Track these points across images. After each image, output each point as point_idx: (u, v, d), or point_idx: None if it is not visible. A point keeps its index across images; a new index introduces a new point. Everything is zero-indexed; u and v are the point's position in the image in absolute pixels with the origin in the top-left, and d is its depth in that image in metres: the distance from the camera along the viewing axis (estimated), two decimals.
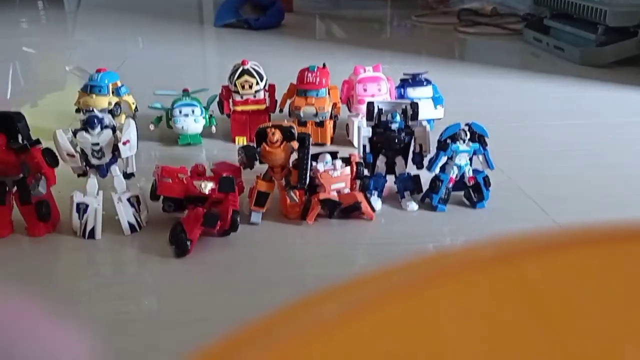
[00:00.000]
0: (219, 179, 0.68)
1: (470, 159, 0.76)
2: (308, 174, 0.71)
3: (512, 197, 0.80)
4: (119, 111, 0.98)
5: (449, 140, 0.74)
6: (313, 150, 0.73)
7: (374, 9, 2.77)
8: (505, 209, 0.77)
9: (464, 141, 0.74)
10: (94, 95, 0.95)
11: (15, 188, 0.68)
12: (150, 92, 1.01)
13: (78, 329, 0.16)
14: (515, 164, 0.89)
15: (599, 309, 0.16)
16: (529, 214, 0.76)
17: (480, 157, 0.76)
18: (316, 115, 0.94)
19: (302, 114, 0.94)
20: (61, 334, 0.16)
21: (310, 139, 0.72)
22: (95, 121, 0.68)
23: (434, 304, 0.16)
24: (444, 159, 0.75)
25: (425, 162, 0.77)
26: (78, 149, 0.68)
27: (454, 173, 0.76)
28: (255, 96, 0.97)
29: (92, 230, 0.68)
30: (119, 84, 0.99)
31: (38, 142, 0.67)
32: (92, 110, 0.90)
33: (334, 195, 0.73)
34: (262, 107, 0.99)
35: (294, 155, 0.72)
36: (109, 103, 0.95)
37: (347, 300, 0.17)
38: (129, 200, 0.70)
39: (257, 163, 0.72)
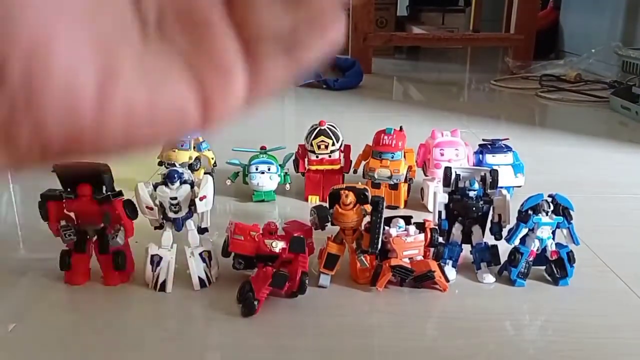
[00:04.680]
0: (290, 239, 0.68)
1: (553, 233, 0.72)
2: (380, 239, 0.69)
3: (599, 276, 0.75)
4: (198, 166, 1.01)
5: (530, 212, 0.70)
6: (386, 213, 0.71)
7: (453, 72, 2.77)
8: (590, 288, 0.72)
9: (546, 213, 0.70)
10: (176, 150, 0.99)
11: (95, 237, 0.71)
12: (229, 148, 1.04)
13: None
14: (602, 240, 0.84)
15: None
16: (616, 295, 0.70)
17: (565, 231, 0.71)
18: (390, 177, 0.93)
19: (376, 176, 0.93)
20: None
21: (384, 203, 0.70)
22: (175, 176, 0.70)
23: None
24: (524, 231, 0.71)
25: (504, 232, 0.74)
26: (157, 202, 0.70)
27: (535, 246, 0.71)
28: (330, 156, 0.98)
29: (164, 283, 0.69)
30: (201, 140, 1.03)
31: (120, 193, 0.70)
32: (174, 165, 0.94)
33: (406, 262, 0.70)
34: (337, 167, 0.99)
35: (367, 219, 0.71)
36: (190, 157, 0.99)
37: None
38: (200, 255, 0.70)
39: (328, 224, 0.72)
